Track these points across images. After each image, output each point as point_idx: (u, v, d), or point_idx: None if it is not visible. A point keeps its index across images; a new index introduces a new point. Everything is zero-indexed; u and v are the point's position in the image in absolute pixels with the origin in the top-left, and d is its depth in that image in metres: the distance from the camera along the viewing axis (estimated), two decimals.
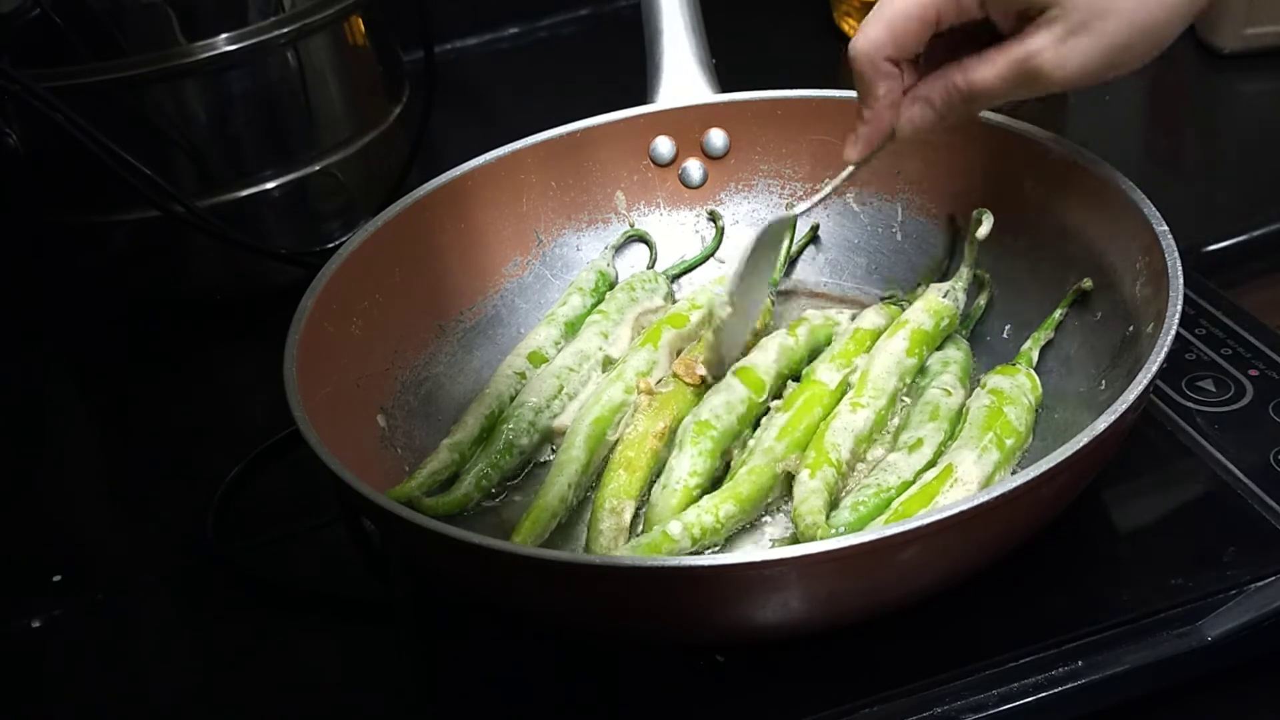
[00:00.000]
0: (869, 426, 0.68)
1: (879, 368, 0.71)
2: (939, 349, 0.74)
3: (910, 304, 0.76)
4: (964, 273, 0.77)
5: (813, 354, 0.75)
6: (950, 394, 0.70)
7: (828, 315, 0.78)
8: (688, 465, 0.67)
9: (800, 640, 0.58)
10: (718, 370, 0.73)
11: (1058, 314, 0.72)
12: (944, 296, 0.75)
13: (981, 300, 0.77)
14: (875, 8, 0.64)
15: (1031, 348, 0.72)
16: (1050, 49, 0.61)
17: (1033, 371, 0.70)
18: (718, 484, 0.68)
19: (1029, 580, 0.60)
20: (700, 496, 0.66)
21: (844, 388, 0.71)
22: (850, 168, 0.69)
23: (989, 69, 0.63)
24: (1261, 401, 0.70)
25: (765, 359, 0.73)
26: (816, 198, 0.71)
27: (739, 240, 0.85)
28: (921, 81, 0.65)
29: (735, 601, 0.54)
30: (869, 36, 0.64)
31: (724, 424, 0.69)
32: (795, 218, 0.74)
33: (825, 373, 0.72)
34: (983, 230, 0.75)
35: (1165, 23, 0.61)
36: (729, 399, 0.70)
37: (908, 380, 0.72)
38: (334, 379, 0.69)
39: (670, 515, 0.65)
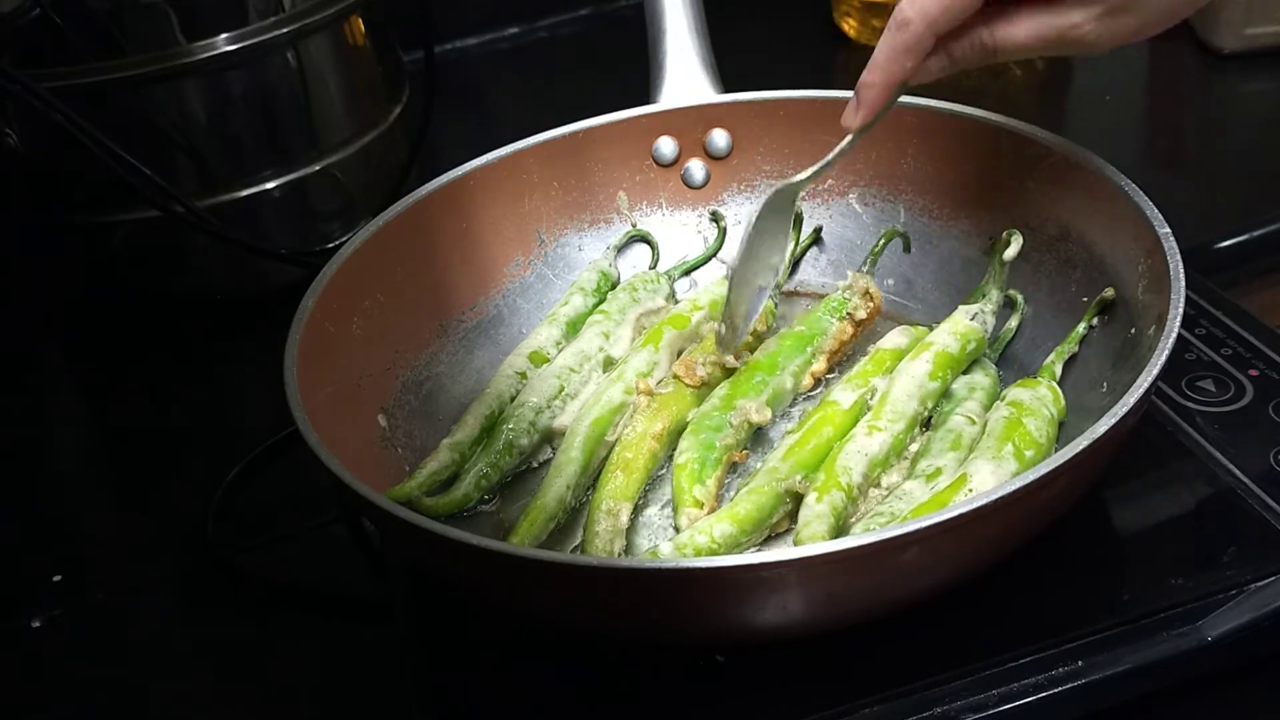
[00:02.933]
0: (885, 450, 0.66)
1: (899, 390, 0.69)
2: (966, 373, 0.72)
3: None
4: (993, 294, 0.75)
5: (813, 334, 0.75)
6: (974, 422, 0.68)
7: (828, 299, 0.77)
8: (679, 449, 0.68)
9: (800, 640, 0.58)
10: (731, 344, 0.73)
11: (1081, 327, 0.70)
12: (972, 319, 0.73)
13: (1013, 323, 0.75)
14: None
15: (1054, 361, 0.70)
16: (1091, 23, 0.61)
17: (1055, 384, 0.69)
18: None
19: (1029, 580, 0.60)
20: (703, 465, 0.67)
21: (860, 409, 0.69)
22: (850, 136, 0.67)
23: (1022, 32, 0.62)
24: (1261, 401, 0.70)
25: (764, 346, 0.75)
26: (817, 166, 0.70)
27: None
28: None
29: (734, 603, 0.54)
30: (927, 12, 0.62)
31: (702, 410, 0.71)
32: (799, 184, 0.71)
33: (840, 393, 0.70)
34: (1010, 252, 0.74)
35: None
36: (710, 397, 0.72)
37: (929, 404, 0.70)
38: (334, 379, 0.69)
39: (680, 491, 0.66)
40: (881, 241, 0.80)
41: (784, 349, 0.74)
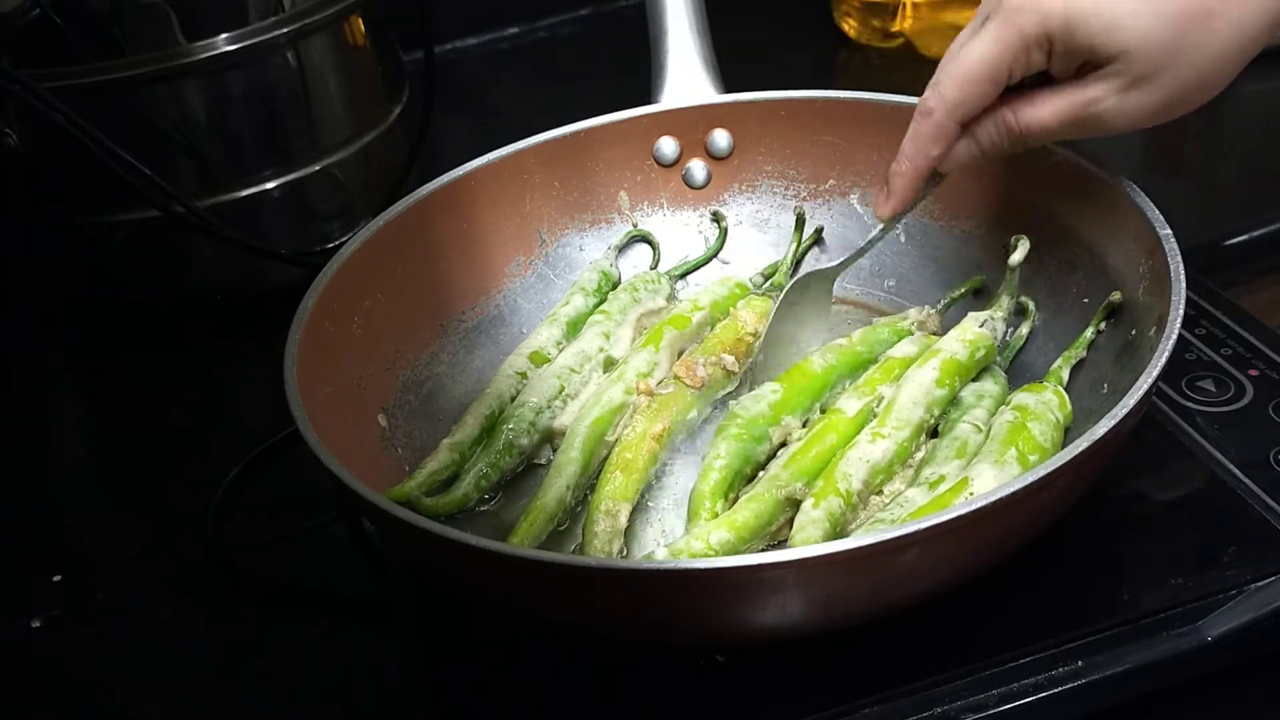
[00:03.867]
0: (888, 458, 0.66)
1: (905, 397, 0.68)
2: (975, 380, 0.71)
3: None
4: (1004, 301, 0.74)
5: (873, 356, 0.74)
6: (980, 430, 0.67)
7: (893, 320, 0.76)
8: (714, 450, 0.67)
9: (800, 640, 0.58)
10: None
11: (1089, 332, 0.70)
12: (981, 325, 0.72)
13: (1024, 330, 0.74)
14: (946, 65, 0.63)
15: (1062, 366, 0.69)
16: (1111, 98, 0.61)
17: (1062, 390, 0.68)
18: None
19: (1029, 580, 0.60)
20: (733, 480, 0.66)
21: (865, 416, 0.69)
22: (883, 226, 0.70)
23: (1044, 111, 0.63)
24: (1261, 401, 0.70)
25: (815, 359, 0.73)
26: (846, 257, 0.72)
27: (742, 241, 0.85)
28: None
29: (734, 604, 0.54)
30: (946, 99, 0.63)
31: (749, 412, 0.69)
32: (830, 272, 0.74)
33: (846, 400, 0.70)
34: (1016, 257, 0.73)
35: (1221, 73, 0.61)
36: (757, 393, 0.71)
37: (935, 412, 0.69)
38: (334, 379, 0.69)
39: (701, 499, 0.65)
40: (964, 289, 0.78)
41: (840, 366, 0.73)
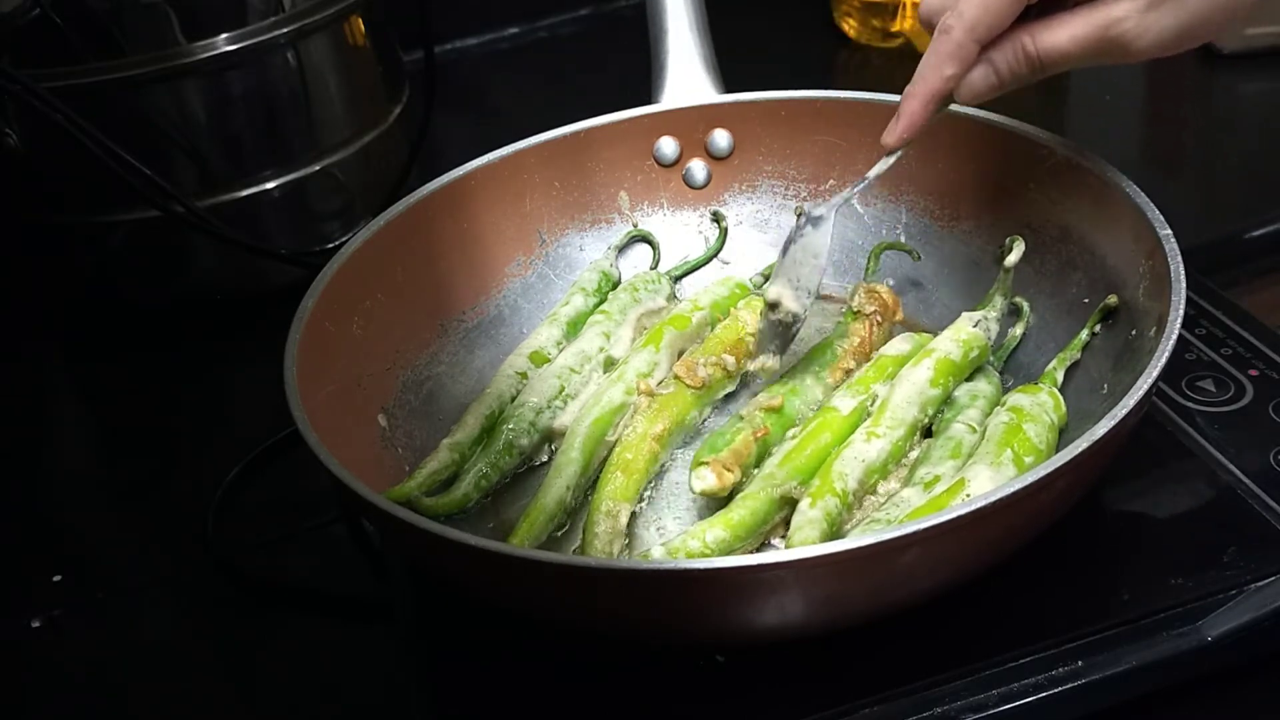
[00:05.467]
0: (883, 457, 0.66)
1: (899, 397, 0.68)
2: (969, 380, 0.71)
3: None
4: (997, 301, 0.75)
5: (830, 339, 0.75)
6: (975, 430, 0.67)
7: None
8: None
9: (800, 640, 0.58)
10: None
11: (1084, 334, 0.70)
12: (974, 325, 0.73)
13: (1017, 331, 0.74)
14: None
15: (1056, 367, 0.69)
16: (1134, 18, 0.59)
17: (1056, 391, 0.68)
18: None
19: (1029, 580, 0.60)
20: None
21: (860, 415, 0.69)
22: (890, 155, 0.68)
23: (1063, 35, 0.61)
24: (1261, 401, 0.70)
25: None
26: (849, 190, 0.70)
27: (742, 241, 0.85)
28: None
29: (734, 605, 0.54)
30: (966, 16, 0.61)
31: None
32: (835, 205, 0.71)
33: (840, 399, 0.70)
34: (1011, 258, 0.74)
35: None
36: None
37: (930, 412, 0.69)
38: (334, 379, 0.69)
39: (696, 462, 0.66)
40: (871, 258, 0.80)
41: (808, 355, 0.74)
